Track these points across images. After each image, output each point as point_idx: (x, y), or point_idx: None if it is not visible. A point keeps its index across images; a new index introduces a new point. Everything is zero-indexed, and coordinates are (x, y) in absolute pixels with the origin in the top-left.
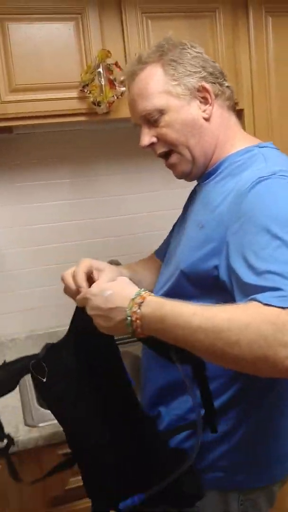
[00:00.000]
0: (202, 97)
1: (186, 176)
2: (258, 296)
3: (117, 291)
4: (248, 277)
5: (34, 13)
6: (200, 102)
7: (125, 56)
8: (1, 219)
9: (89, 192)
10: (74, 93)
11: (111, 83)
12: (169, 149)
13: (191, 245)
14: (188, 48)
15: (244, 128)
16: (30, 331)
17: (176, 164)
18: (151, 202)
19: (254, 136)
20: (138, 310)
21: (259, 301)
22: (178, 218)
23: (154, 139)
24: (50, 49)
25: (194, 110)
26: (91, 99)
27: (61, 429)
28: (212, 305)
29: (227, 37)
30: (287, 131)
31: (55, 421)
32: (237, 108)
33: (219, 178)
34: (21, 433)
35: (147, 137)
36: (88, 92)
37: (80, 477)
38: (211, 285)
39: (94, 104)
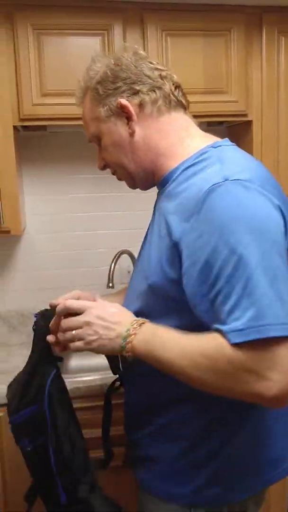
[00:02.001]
0: (127, 113)
1: (135, 188)
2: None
3: (121, 309)
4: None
5: (66, 29)
6: (127, 118)
7: None
8: (33, 207)
9: (111, 187)
10: None
11: None
12: (113, 171)
13: (153, 257)
14: (112, 64)
15: (251, 138)
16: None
17: (121, 179)
18: None
19: (259, 146)
20: (138, 328)
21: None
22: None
23: (104, 162)
24: (78, 60)
25: (121, 129)
26: None
27: None
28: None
29: (240, 55)
30: None
31: None
32: (246, 119)
33: (174, 185)
34: None
35: (99, 161)
36: None
37: None
38: (173, 300)
39: None
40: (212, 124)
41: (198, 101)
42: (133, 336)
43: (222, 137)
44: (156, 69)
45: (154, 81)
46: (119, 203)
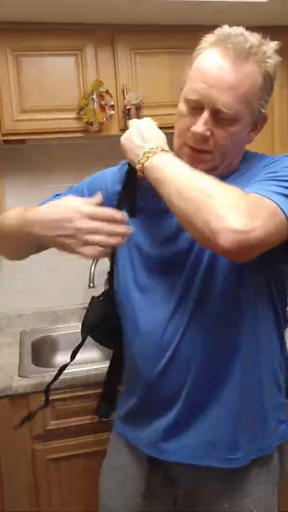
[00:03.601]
0: (256, 122)
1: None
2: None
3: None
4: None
5: (43, 50)
6: (253, 128)
7: (116, 85)
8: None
9: None
10: (72, 115)
11: (102, 107)
12: (208, 149)
13: None
14: (277, 67)
15: None
16: (36, 309)
17: (202, 161)
18: None
19: None
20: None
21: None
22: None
23: (209, 133)
24: (54, 78)
25: (245, 131)
26: (85, 120)
27: (46, 379)
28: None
29: None
30: (253, 147)
31: (43, 374)
32: None
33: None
34: (15, 381)
35: (204, 127)
36: (84, 114)
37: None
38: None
39: (88, 124)
40: None
41: (165, 114)
42: (153, 154)
43: None
44: None
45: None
46: None
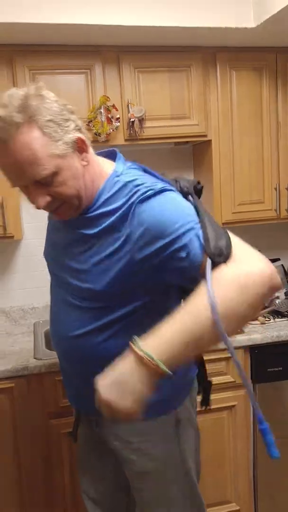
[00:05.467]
0: (79, 147)
1: (75, 216)
2: None
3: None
4: None
5: (56, 69)
6: (80, 151)
7: (121, 100)
8: (28, 216)
9: None
10: None
11: (109, 119)
12: (60, 203)
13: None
14: (49, 101)
15: (211, 154)
16: (48, 302)
17: (64, 213)
18: None
19: (218, 160)
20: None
21: None
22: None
23: (49, 198)
24: (66, 94)
25: (77, 162)
26: (94, 131)
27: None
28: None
29: (199, 86)
30: (245, 156)
31: (55, 357)
32: (206, 139)
33: (97, 207)
34: (31, 363)
35: (42, 199)
36: (92, 126)
37: None
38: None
39: (96, 134)
40: (179, 143)
41: (166, 125)
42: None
43: (188, 154)
44: (73, 110)
45: (78, 119)
46: None
